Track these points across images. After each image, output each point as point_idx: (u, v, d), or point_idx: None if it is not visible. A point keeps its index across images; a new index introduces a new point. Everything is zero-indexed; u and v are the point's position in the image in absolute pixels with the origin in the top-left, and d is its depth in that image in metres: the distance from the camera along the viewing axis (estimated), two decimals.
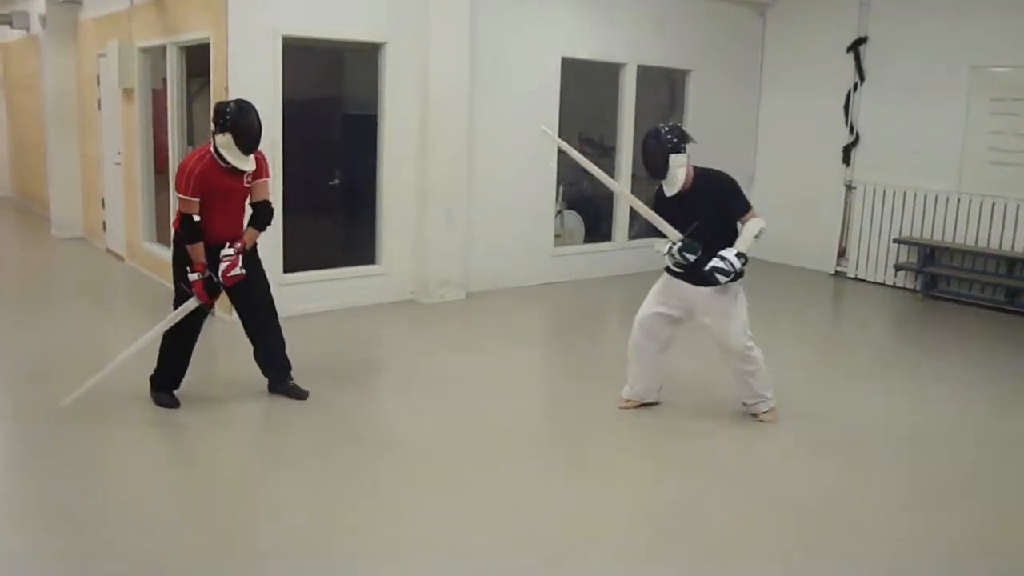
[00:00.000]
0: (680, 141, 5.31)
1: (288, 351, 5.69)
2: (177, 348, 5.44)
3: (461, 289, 8.39)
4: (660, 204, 5.39)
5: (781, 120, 10.88)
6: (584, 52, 9.22)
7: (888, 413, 5.83)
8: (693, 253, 5.04)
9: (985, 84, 9.06)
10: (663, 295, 5.40)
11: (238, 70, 7.05)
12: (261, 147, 5.29)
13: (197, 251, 5.17)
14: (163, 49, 8.40)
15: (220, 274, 5.19)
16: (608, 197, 9.94)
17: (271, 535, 3.94)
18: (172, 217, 5.76)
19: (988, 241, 9.06)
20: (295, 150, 7.53)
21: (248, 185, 5.28)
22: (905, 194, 9.64)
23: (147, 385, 5.51)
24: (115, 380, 5.38)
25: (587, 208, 10.32)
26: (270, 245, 7.31)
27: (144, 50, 8.94)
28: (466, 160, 8.26)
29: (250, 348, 5.67)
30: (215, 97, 7.24)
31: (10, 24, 12.95)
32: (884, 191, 9.81)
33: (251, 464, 4.85)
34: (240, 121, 5.07)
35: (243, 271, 5.22)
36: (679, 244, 5.10)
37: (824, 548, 3.98)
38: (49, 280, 9.73)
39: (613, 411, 5.60)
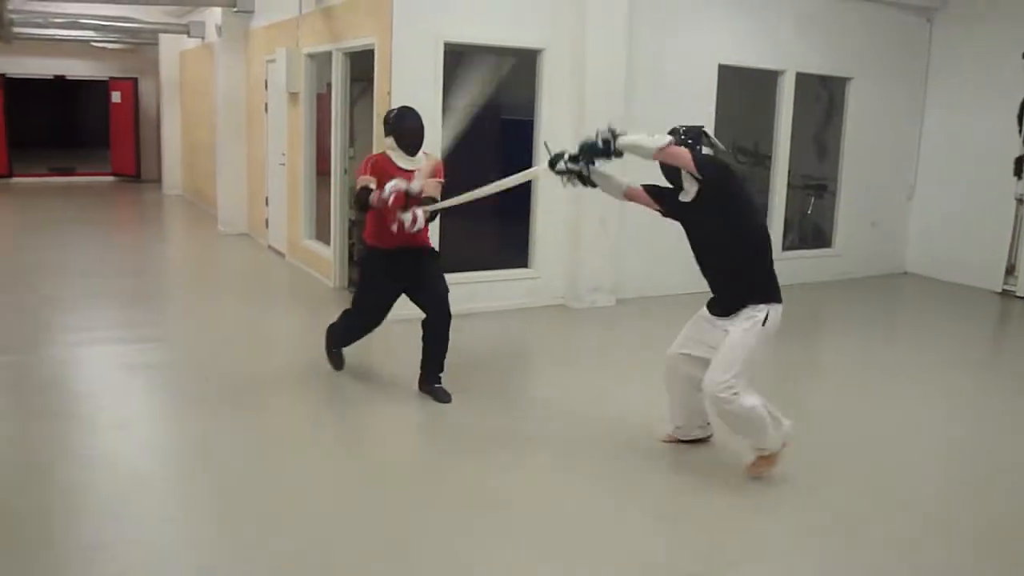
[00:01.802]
0: (696, 143, 4.44)
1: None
2: (364, 322, 5.86)
3: (612, 295, 8.38)
4: (676, 210, 4.59)
5: (946, 130, 10.39)
6: (741, 59, 9.07)
7: None
8: (597, 154, 4.45)
9: None
10: (689, 336, 4.69)
11: (401, 75, 7.27)
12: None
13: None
14: (329, 55, 8.74)
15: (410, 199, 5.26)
16: (762, 206, 9.74)
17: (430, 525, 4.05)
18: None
19: None
20: (454, 153, 7.68)
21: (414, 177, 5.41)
22: None
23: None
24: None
25: None
26: None
27: (311, 56, 9.33)
28: (620, 167, 8.22)
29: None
30: (378, 101, 7.49)
31: (187, 33, 13.77)
32: None
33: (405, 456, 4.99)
34: (400, 125, 5.44)
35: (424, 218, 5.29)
36: (575, 151, 4.54)
37: None
38: (215, 273, 10.30)
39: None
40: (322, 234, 9.39)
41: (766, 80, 9.49)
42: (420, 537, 3.92)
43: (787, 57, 9.38)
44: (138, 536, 3.84)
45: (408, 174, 5.37)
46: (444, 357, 5.70)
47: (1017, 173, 9.67)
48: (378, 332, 5.92)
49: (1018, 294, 9.62)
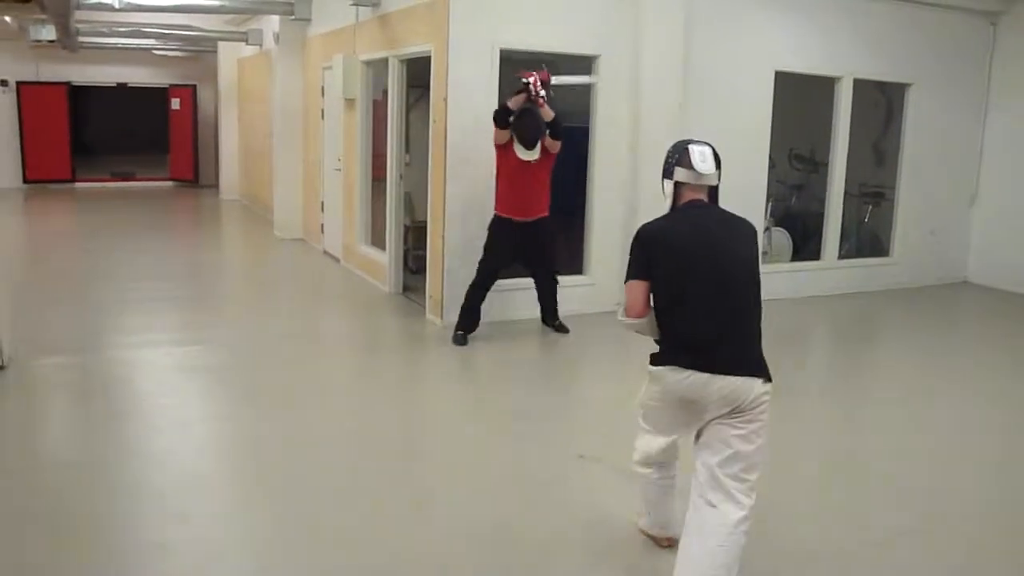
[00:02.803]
0: (675, 163, 3.55)
1: (495, 353, 5.84)
2: (475, 300, 7.04)
3: None
4: None
5: (1010, 136, 10.15)
6: (799, 65, 8.96)
7: None
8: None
9: None
10: None
11: (457, 81, 7.32)
12: None
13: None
14: (385, 61, 8.83)
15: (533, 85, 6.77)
16: (818, 215, 9.63)
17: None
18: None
19: None
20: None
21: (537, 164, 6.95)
22: None
23: None
24: None
25: (795, 225, 10.05)
26: (480, 250, 7.55)
27: (367, 63, 9.43)
28: None
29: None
30: (434, 107, 7.55)
31: (246, 41, 14.00)
32: None
33: None
34: (517, 125, 6.88)
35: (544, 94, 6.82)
36: None
37: None
38: (271, 277, 10.46)
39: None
40: (377, 240, 9.48)
41: (824, 86, 9.38)
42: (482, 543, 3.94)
43: (845, 63, 9.26)
44: (201, 535, 3.92)
45: (524, 166, 6.93)
46: (557, 304, 7.43)
47: None
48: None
49: None
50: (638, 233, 3.59)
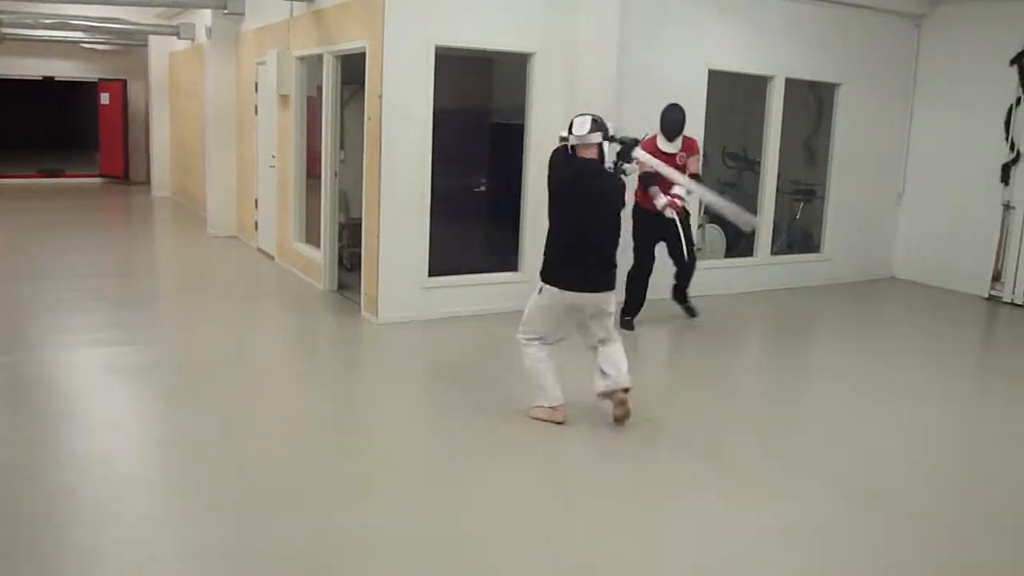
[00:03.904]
0: (569, 131, 5.21)
1: (430, 351, 5.82)
2: (637, 287, 7.56)
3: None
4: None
5: (934, 136, 10.43)
6: (731, 64, 9.10)
7: None
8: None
9: None
10: None
11: (392, 78, 7.27)
12: None
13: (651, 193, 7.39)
14: (319, 58, 8.74)
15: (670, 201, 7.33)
16: (751, 212, 9.78)
17: None
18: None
19: None
20: (443, 157, 7.72)
21: (681, 162, 7.28)
22: None
23: None
24: None
25: (728, 222, 10.15)
26: (416, 249, 7.54)
27: (301, 59, 9.32)
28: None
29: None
30: (369, 104, 7.50)
31: (177, 35, 13.76)
32: None
33: None
34: (663, 117, 7.40)
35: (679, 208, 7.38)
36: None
37: None
38: (204, 275, 10.30)
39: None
40: (312, 237, 9.38)
41: (756, 85, 9.53)
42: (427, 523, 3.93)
43: (776, 63, 9.42)
44: (134, 538, 3.84)
45: (671, 158, 7.13)
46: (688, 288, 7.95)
47: (1004, 179, 9.74)
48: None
49: (1004, 299, 9.69)
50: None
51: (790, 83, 9.58)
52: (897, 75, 10.49)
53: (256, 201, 10.99)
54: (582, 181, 5.15)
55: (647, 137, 6.94)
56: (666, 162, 6.54)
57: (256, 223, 11.03)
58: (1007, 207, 9.74)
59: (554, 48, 7.96)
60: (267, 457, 4.83)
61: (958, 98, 10.15)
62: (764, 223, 9.68)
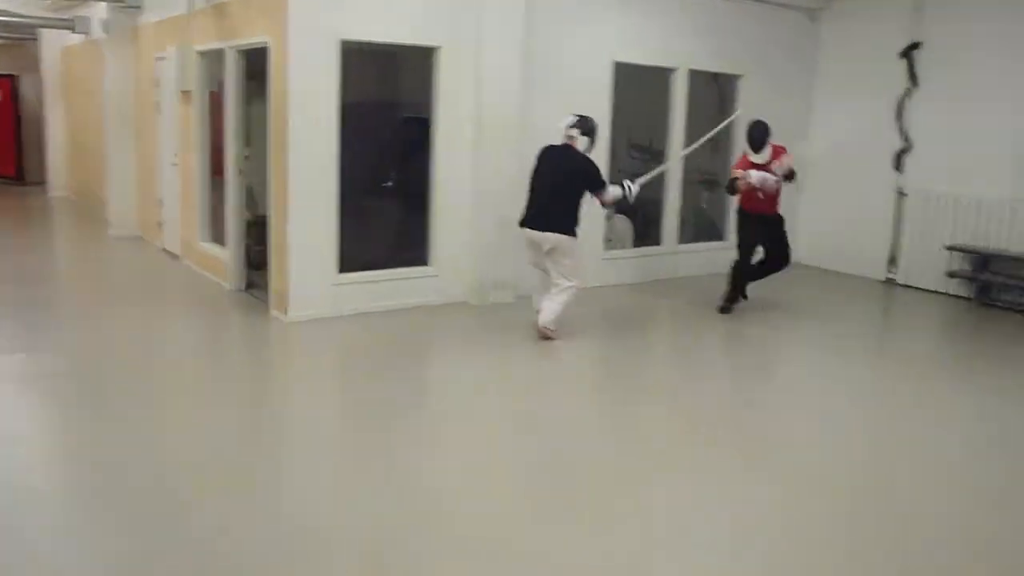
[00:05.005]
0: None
1: (341, 348, 5.77)
2: (745, 260, 8.35)
3: (512, 292, 8.44)
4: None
5: (833, 126, 10.79)
6: (636, 57, 9.25)
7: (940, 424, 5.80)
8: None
9: None
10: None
11: (297, 73, 7.18)
12: None
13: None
14: (221, 53, 8.57)
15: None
16: (657, 203, 9.94)
17: None
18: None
19: None
20: (351, 152, 7.65)
21: (772, 168, 8.01)
22: (958, 200, 9.54)
23: None
24: None
25: (636, 213, 10.33)
26: (325, 245, 7.46)
27: (202, 53, 9.13)
28: (519, 163, 8.31)
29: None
30: (273, 100, 7.39)
31: (72, 29, 13.28)
32: (937, 197, 9.71)
33: None
34: (749, 133, 8.15)
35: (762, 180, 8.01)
36: None
37: None
38: (107, 277, 9.98)
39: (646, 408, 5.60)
40: (218, 236, 9.20)
41: (660, 78, 9.69)
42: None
43: (680, 55, 9.60)
44: (37, 551, 3.73)
45: (761, 166, 8.01)
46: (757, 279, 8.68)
47: (897, 166, 10.12)
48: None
49: (899, 282, 10.07)
50: None
51: (693, 74, 9.77)
52: (797, 67, 10.81)
53: (160, 200, 10.71)
54: (549, 157, 7.13)
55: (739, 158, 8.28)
56: (760, 169, 7.99)
57: (160, 223, 10.76)
58: (900, 193, 10.13)
59: (460, 42, 7.96)
60: (176, 464, 4.73)
61: (854, 89, 10.52)
62: (671, 213, 9.88)
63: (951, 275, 9.55)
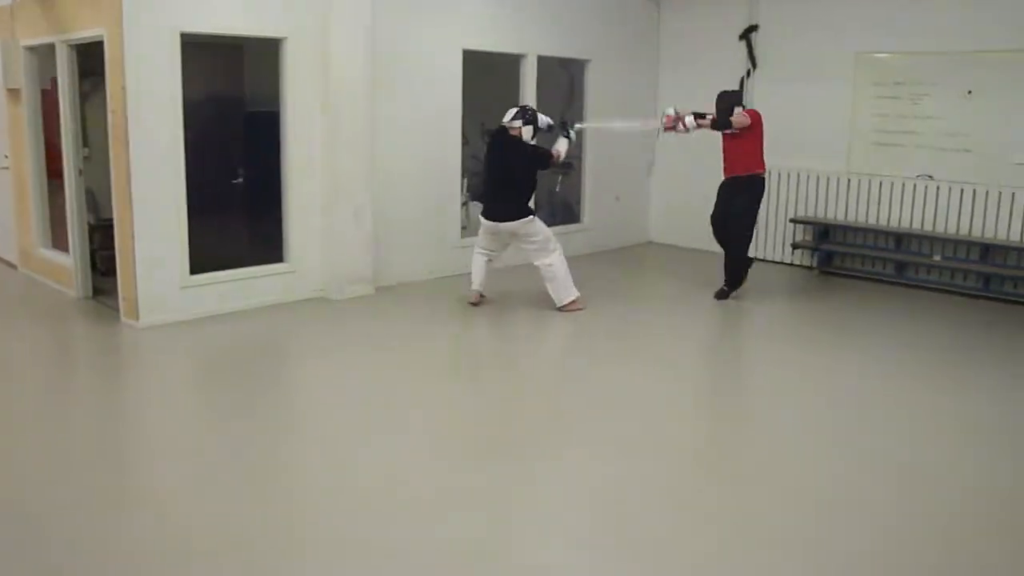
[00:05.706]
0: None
1: (195, 352, 5.64)
2: (739, 264, 8.43)
3: (370, 284, 8.36)
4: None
5: (679, 107, 11.07)
6: (485, 44, 9.29)
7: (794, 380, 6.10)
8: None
9: (868, 69, 9.51)
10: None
11: (135, 68, 6.88)
12: None
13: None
14: (52, 47, 8.12)
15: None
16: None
17: None
18: None
19: (877, 218, 9.52)
20: (197, 149, 7.41)
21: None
22: (799, 175, 10.06)
23: None
24: None
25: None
26: (174, 247, 7.21)
27: (30, 49, 8.63)
28: (371, 154, 8.24)
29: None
30: (112, 96, 7.06)
31: None
32: (780, 173, 10.17)
33: None
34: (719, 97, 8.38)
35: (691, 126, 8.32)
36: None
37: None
38: None
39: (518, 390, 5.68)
40: (60, 242, 8.73)
41: (510, 64, 9.76)
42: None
43: (528, 41, 9.70)
44: None
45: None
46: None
47: None
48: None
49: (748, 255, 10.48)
50: None
51: (542, 60, 9.89)
52: (642, 52, 11.10)
53: None
54: (495, 148, 7.75)
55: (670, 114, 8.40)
56: (728, 140, 8.29)
57: None
58: None
59: (306, 32, 7.81)
60: (23, 487, 4.48)
61: (698, 72, 10.82)
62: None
63: (795, 246, 10.06)
